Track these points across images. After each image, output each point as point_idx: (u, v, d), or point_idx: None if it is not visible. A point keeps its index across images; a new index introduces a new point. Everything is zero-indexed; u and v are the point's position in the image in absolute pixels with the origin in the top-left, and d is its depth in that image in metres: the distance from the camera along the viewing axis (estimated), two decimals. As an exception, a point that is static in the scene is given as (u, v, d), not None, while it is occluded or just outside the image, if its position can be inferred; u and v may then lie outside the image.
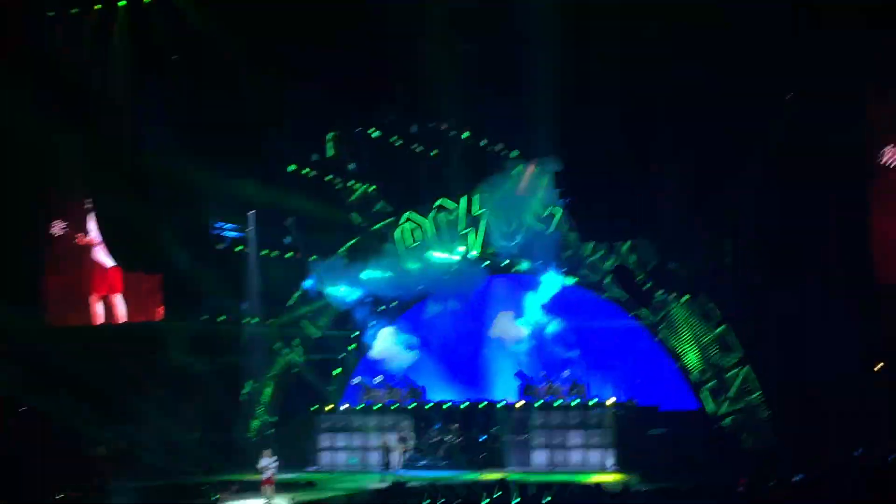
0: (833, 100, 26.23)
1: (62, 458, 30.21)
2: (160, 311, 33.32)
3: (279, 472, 26.51)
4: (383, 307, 35.17)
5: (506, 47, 28.42)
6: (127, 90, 30.55)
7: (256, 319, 33.85)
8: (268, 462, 26.19)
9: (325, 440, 33.46)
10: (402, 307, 34.96)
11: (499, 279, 33.87)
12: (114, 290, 33.89)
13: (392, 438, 30.90)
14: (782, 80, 26.73)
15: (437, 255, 33.82)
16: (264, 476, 26.16)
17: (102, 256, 33.53)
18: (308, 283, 34.21)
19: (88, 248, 33.98)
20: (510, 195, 32.50)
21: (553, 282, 31.97)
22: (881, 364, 26.95)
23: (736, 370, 29.72)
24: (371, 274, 34.04)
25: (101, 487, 27.92)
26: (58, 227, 34.08)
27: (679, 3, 26.55)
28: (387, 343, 33.80)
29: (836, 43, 25.08)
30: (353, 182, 34.64)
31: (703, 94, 26.99)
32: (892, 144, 26.20)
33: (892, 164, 26.13)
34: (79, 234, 34.00)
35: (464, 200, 33.27)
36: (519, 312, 32.47)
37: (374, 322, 34.29)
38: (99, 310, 33.85)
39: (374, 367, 34.44)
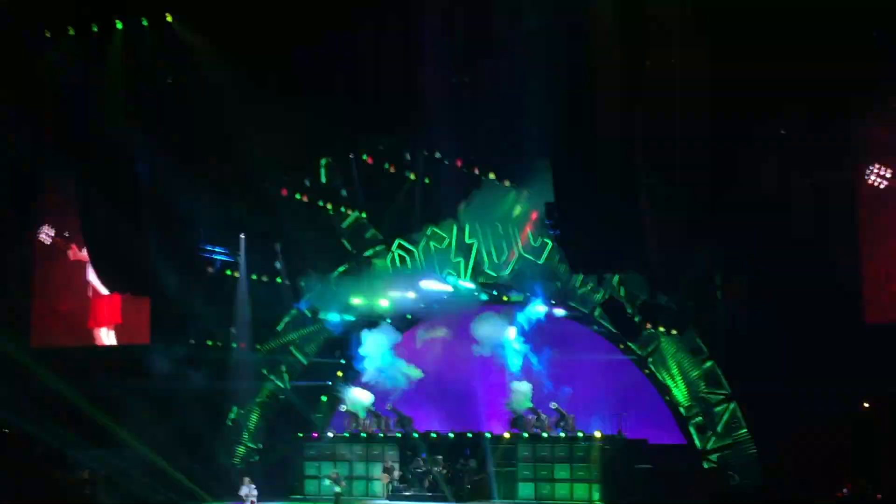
0: (822, 129, 26.30)
1: (43, 481, 30.04)
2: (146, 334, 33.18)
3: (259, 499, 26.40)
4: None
5: (499, 76, 28.42)
6: (120, 112, 30.45)
7: (243, 345, 33.65)
8: (248, 489, 26.07)
9: (310, 468, 33.26)
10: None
11: (488, 309, 33.69)
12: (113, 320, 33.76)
13: (333, 472, 30.10)
14: (773, 114, 26.78)
15: (427, 284, 33.74)
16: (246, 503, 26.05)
17: (94, 278, 33.37)
18: (301, 305, 34.18)
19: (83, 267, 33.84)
20: (502, 225, 32.49)
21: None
22: (867, 404, 26.83)
23: (723, 406, 29.63)
24: (361, 300, 33.97)
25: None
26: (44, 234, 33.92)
27: (675, 36, 26.59)
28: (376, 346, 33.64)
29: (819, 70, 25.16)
30: (344, 208, 34.55)
31: (694, 127, 26.97)
32: (878, 163, 26.07)
33: (880, 185, 26.04)
34: (72, 247, 33.88)
35: (455, 229, 33.21)
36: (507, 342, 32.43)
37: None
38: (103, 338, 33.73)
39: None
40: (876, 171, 26.03)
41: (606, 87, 25.94)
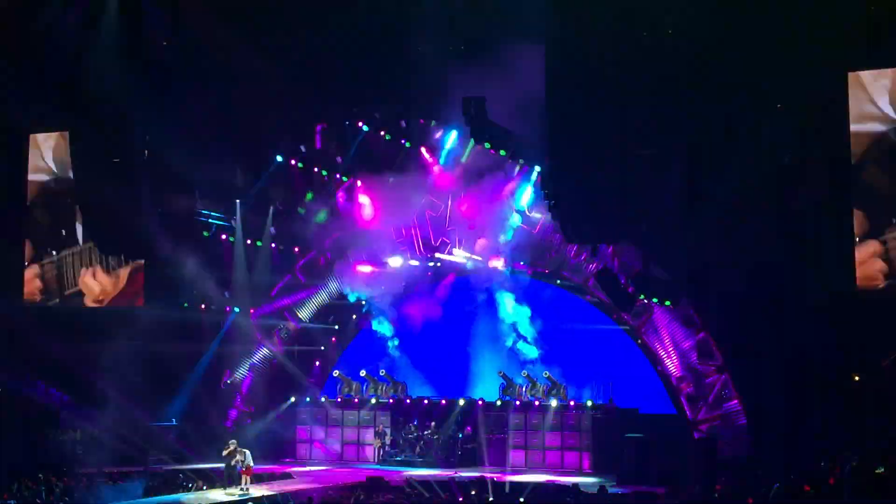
0: (816, 104, 26.47)
1: (34, 441, 30.12)
2: (140, 297, 33.26)
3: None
4: (364, 302, 35.21)
5: (496, 47, 28.43)
6: (115, 75, 30.35)
7: (238, 309, 33.73)
8: (243, 456, 26.16)
9: (302, 432, 33.46)
10: (384, 302, 34.91)
11: (482, 278, 33.83)
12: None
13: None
14: (768, 88, 26.91)
15: (422, 253, 33.89)
16: (240, 467, 26.16)
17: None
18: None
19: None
20: (497, 195, 32.57)
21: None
22: (857, 377, 27.05)
23: (715, 377, 29.85)
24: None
25: (74, 471, 27.87)
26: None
27: (672, 11, 26.68)
28: None
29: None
30: (340, 175, 34.56)
31: (692, 99, 27.07)
32: None
33: None
34: None
35: (451, 198, 33.30)
36: (501, 313, 32.67)
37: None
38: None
39: (354, 360, 34.51)
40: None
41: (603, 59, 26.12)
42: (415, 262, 34.16)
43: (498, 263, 33.05)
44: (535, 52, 26.96)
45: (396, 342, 34.48)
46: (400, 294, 34.58)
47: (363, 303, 34.85)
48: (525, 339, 32.50)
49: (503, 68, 28.27)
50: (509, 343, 32.62)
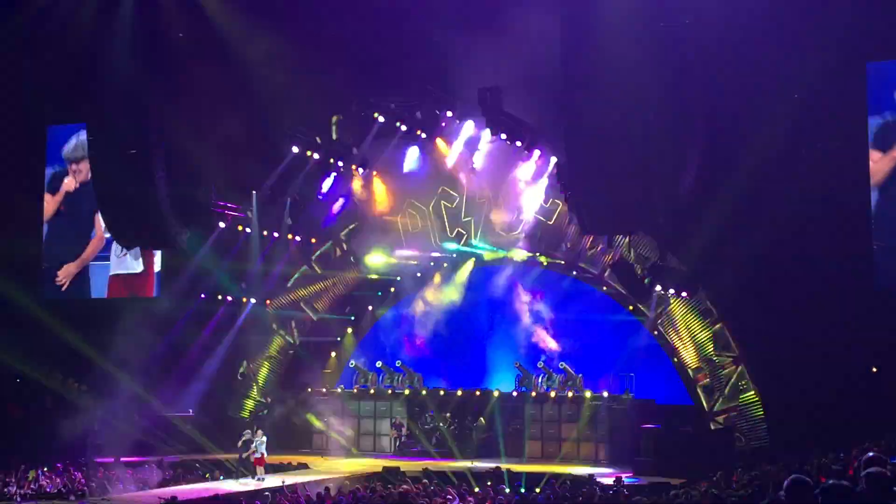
0: (836, 93, 26.31)
1: (52, 430, 30.26)
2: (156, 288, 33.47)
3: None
4: (380, 293, 35.23)
5: (512, 38, 28.33)
6: (131, 66, 30.38)
7: (254, 300, 33.78)
8: (258, 440, 26.26)
9: (318, 423, 33.49)
10: (400, 293, 34.94)
11: (498, 269, 33.82)
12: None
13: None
14: (787, 75, 26.72)
15: (438, 243, 33.86)
16: (255, 455, 26.23)
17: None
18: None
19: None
20: (512, 185, 32.48)
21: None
22: (875, 368, 26.91)
23: (731, 368, 29.76)
24: (372, 259, 34.13)
25: (91, 461, 28.01)
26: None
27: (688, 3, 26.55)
28: None
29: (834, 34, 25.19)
30: (356, 166, 34.52)
31: (707, 88, 26.93)
32: None
33: None
34: None
35: (466, 189, 33.24)
36: (517, 304, 32.63)
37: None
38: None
39: (370, 350, 34.52)
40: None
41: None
42: (434, 253, 34.13)
43: (514, 254, 32.99)
44: (550, 38, 26.88)
45: (413, 333, 34.43)
46: (416, 284, 34.61)
47: (379, 293, 34.81)
48: (541, 330, 32.39)
49: (520, 55, 28.22)
50: (525, 334, 32.50)
